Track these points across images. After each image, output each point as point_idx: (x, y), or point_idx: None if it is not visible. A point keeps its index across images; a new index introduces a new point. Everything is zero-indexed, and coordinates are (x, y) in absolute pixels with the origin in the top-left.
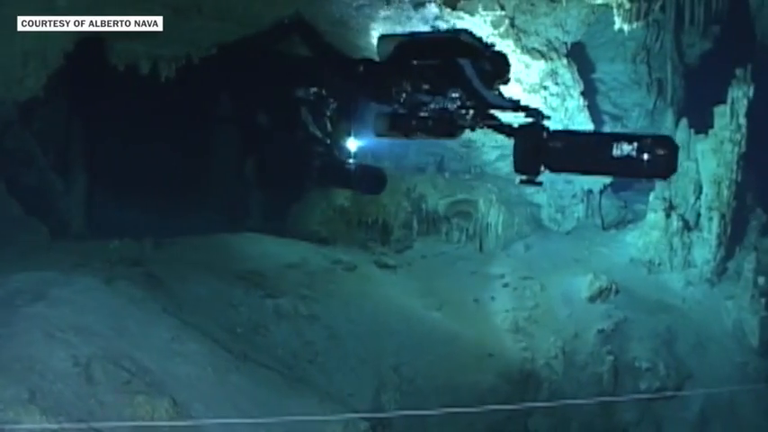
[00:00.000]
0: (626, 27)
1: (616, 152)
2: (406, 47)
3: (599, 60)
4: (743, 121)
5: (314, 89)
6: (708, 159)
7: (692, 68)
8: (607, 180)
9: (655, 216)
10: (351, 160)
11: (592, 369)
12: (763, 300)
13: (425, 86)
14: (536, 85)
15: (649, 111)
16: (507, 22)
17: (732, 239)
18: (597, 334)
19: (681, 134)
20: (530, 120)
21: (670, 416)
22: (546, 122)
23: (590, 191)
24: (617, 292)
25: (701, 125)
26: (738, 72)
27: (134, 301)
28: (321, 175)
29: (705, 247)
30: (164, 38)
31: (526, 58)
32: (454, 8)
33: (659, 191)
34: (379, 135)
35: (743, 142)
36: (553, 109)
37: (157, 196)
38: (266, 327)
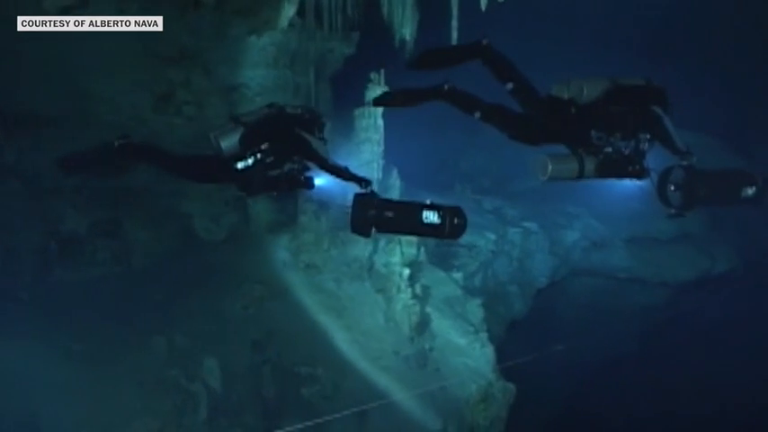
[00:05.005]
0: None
1: None
2: (615, 92)
3: (242, 66)
4: (380, 122)
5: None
6: (352, 159)
7: (335, 73)
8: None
9: (306, 218)
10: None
11: (251, 382)
12: (409, 290)
13: (626, 131)
14: (168, 96)
15: None
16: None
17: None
18: (253, 345)
19: (327, 136)
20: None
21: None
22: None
23: (241, 197)
24: (272, 298)
25: (345, 127)
26: (373, 76)
27: None
28: (387, 221)
29: (355, 245)
30: None
31: (158, 65)
32: None
33: (309, 193)
34: (555, 178)
35: (381, 141)
36: (190, 119)
37: None
38: None
